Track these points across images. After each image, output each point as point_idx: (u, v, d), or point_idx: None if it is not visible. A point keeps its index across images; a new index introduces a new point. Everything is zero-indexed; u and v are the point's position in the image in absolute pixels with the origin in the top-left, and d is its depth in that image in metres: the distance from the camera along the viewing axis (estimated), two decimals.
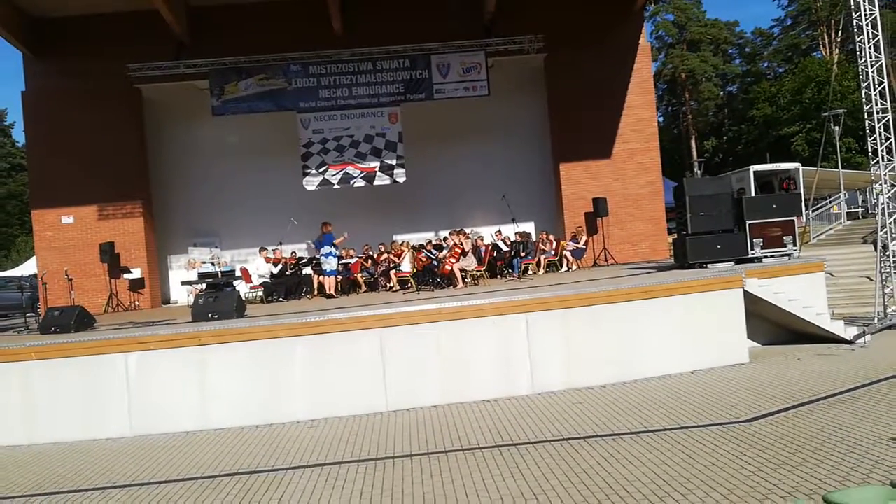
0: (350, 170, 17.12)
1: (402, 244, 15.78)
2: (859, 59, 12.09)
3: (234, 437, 8.04)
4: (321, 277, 14.58)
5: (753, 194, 12.10)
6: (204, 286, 11.45)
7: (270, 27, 16.84)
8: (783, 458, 5.65)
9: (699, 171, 42.76)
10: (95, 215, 17.08)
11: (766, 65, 55.25)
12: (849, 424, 6.42)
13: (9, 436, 8.53)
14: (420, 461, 6.42)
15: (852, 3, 11.99)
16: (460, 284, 13.25)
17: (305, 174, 17.03)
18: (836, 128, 26.35)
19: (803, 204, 13.78)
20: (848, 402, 7.24)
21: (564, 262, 16.36)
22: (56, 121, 16.79)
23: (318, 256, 14.46)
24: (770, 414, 6.99)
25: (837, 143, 27.10)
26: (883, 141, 11.88)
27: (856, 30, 12.00)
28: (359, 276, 15.58)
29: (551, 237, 16.73)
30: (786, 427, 6.51)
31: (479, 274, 14.16)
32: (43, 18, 16.93)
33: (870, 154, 12.30)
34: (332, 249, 13.92)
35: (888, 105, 11.84)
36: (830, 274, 13.79)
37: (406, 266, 14.67)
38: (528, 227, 17.95)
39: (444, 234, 15.92)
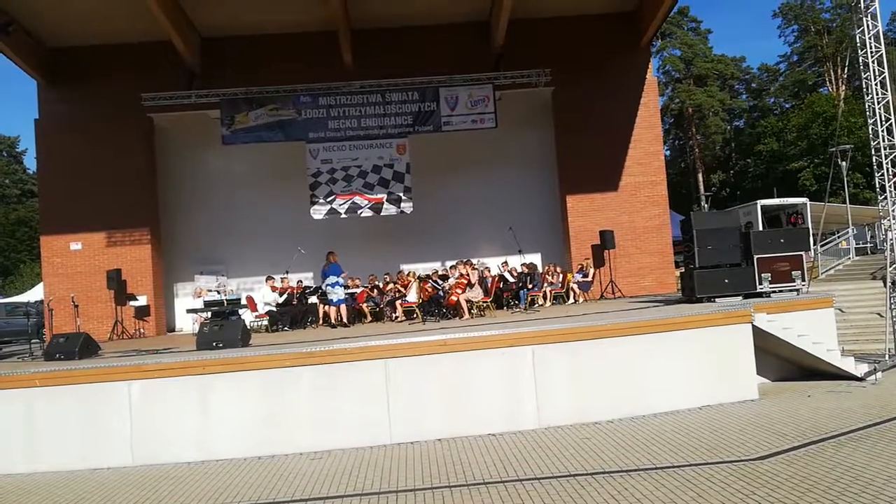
0: (357, 200, 17.20)
1: (408, 274, 15.77)
2: (866, 96, 12.15)
3: (237, 468, 7.94)
4: (326, 307, 14.56)
5: (761, 228, 12.05)
6: (209, 314, 11.45)
7: (281, 58, 17.09)
8: (795, 497, 5.54)
9: (706, 205, 42.80)
10: (104, 242, 17.19)
11: (772, 100, 55.61)
12: (860, 463, 6.30)
13: (9, 463, 8.44)
14: (424, 496, 6.32)
15: (858, 41, 12.09)
16: (466, 315, 13.19)
17: (313, 203, 17.12)
18: (844, 163, 26.38)
19: (811, 239, 13.75)
20: (860, 441, 7.11)
21: (571, 294, 16.29)
22: (68, 148, 17.00)
23: (323, 286, 14.41)
24: (781, 452, 6.86)
25: (845, 179, 27.10)
26: (890, 177, 11.87)
27: (862, 67, 12.07)
28: (364, 305, 15.54)
29: (558, 269, 16.68)
30: (797, 465, 6.39)
31: (485, 305, 14.10)
32: (58, 48, 17.25)
33: (877, 190, 12.28)
34: (339, 279, 13.91)
35: (895, 141, 11.85)
36: (840, 310, 13.68)
37: (412, 296, 14.63)
38: (535, 258, 17.94)
39: (450, 264, 15.91)
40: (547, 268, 16.86)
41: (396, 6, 16.87)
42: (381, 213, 17.33)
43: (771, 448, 7.01)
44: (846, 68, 46.87)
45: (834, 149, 26.64)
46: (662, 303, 12.81)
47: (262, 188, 18.25)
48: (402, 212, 17.32)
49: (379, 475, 7.16)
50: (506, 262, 16.95)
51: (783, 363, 10.69)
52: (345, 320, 13.81)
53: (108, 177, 16.93)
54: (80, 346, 9.90)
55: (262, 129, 16.94)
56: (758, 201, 26.17)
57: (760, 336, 9.79)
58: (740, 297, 11.02)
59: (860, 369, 10.24)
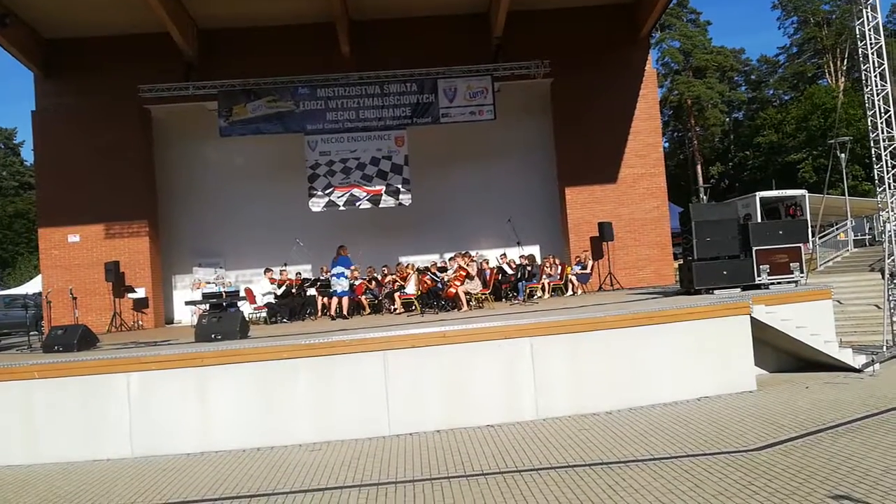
0: (356, 192, 17.17)
1: (407, 266, 15.75)
2: (865, 88, 12.11)
3: (236, 459, 7.96)
4: (325, 299, 14.60)
5: (760, 220, 12.05)
6: (208, 306, 11.45)
7: (279, 50, 17.02)
8: (793, 487, 5.56)
9: (705, 197, 42.77)
10: (102, 234, 17.15)
11: (771, 92, 55.51)
12: (858, 454, 6.33)
13: (9, 455, 8.46)
14: (423, 487, 6.34)
15: (858, 32, 12.05)
16: (465, 307, 13.20)
17: (311, 196, 17.09)
18: (843, 155, 26.36)
19: (810, 231, 13.74)
20: (857, 432, 7.14)
21: (570, 286, 16.30)
22: (65, 140, 16.94)
23: (329, 276, 14.46)
24: (779, 443, 6.89)
25: (844, 171, 27.09)
26: (889, 169, 11.86)
27: (861, 59, 12.04)
28: (363, 297, 15.54)
29: (557, 261, 16.67)
30: (795, 456, 6.42)
31: (483, 297, 14.10)
32: (55, 39, 17.16)
33: (876, 181, 12.27)
34: (345, 271, 13.97)
35: (894, 133, 11.84)
36: (838, 301, 13.69)
37: (411, 288, 14.63)
38: (534, 250, 17.91)
39: (448, 256, 15.90)
40: (545, 260, 16.86)
41: None
42: (380, 206, 17.31)
43: (769, 439, 7.04)
44: (845, 60, 46.80)
45: (833, 140, 26.61)
46: (661, 294, 12.82)
47: (261, 180, 18.20)
48: (400, 204, 17.30)
49: (378, 466, 7.18)
50: (504, 254, 16.93)
51: (781, 355, 10.72)
52: (344, 312, 13.84)
53: (106, 169, 16.86)
54: (79, 339, 9.91)
55: (259, 121, 16.88)
56: (756, 193, 26.16)
57: (759, 327, 9.81)
58: (739, 289, 11.04)
59: (858, 361, 10.27)
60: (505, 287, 16.17)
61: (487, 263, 15.63)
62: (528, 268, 15.98)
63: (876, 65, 11.85)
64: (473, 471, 6.71)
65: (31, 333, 13.71)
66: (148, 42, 16.65)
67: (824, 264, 21.81)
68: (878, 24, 11.88)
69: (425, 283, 14.40)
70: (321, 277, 15.72)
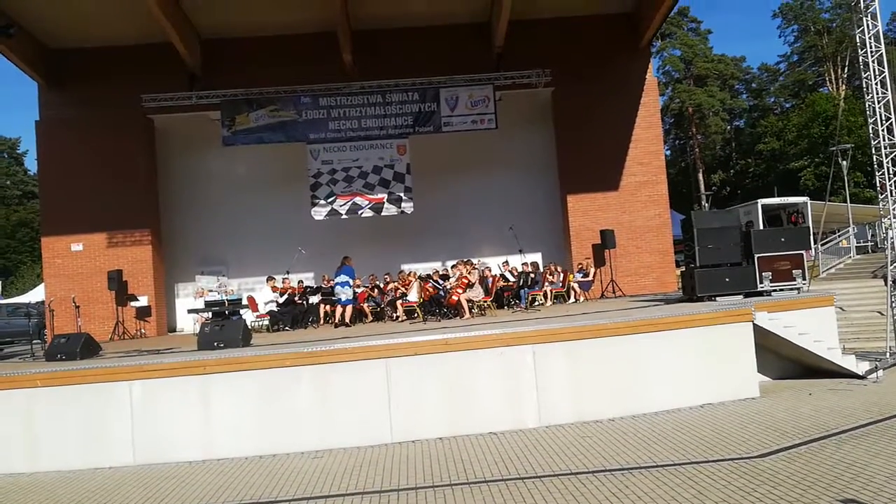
0: (358, 200, 17.21)
1: (409, 274, 15.77)
2: (866, 96, 12.15)
3: (238, 467, 7.95)
4: (328, 307, 14.62)
5: (762, 227, 12.05)
6: (210, 315, 11.46)
7: (282, 59, 17.09)
8: (796, 494, 5.54)
9: (707, 204, 42.77)
10: (104, 243, 17.20)
11: (772, 100, 55.59)
12: (862, 461, 6.30)
13: (10, 463, 8.46)
14: (425, 494, 6.32)
15: (858, 41, 12.10)
16: (467, 315, 13.19)
17: (314, 204, 17.13)
18: (844, 162, 26.36)
19: (812, 238, 13.73)
20: (861, 438, 7.11)
21: (572, 293, 16.30)
22: (68, 150, 17.01)
23: (333, 285, 14.49)
24: (782, 450, 6.86)
25: (845, 178, 27.07)
26: (891, 176, 11.88)
27: (862, 66, 12.08)
28: (365, 305, 15.55)
29: (559, 268, 16.68)
30: (798, 463, 6.39)
31: (486, 305, 14.11)
32: (59, 50, 17.27)
33: (878, 189, 12.29)
34: (349, 280, 14.00)
35: (895, 140, 11.86)
36: (841, 308, 13.67)
37: (413, 296, 14.65)
38: (536, 258, 17.94)
39: (451, 264, 15.92)
40: (547, 267, 16.86)
41: (396, 7, 16.88)
42: (382, 214, 17.35)
43: (772, 446, 7.02)
44: (846, 68, 46.87)
45: (834, 148, 26.59)
46: (663, 302, 12.81)
47: (263, 189, 18.26)
48: (402, 212, 17.33)
49: (380, 474, 7.17)
50: (506, 262, 16.95)
51: (784, 361, 10.69)
52: (347, 320, 13.86)
53: (109, 178, 16.93)
54: (82, 347, 9.92)
55: (262, 131, 16.96)
56: (758, 200, 26.17)
57: (761, 334, 9.80)
58: (741, 296, 11.03)
59: (861, 367, 10.24)
60: (507, 295, 16.18)
61: (489, 271, 15.65)
62: (531, 275, 15.99)
63: (876, 73, 11.90)
64: (476, 478, 6.70)
65: (34, 342, 13.75)
66: (151, 52, 16.76)
67: (826, 271, 21.78)
68: (878, 32, 11.94)
69: (427, 290, 14.40)
70: (323, 286, 15.75)
